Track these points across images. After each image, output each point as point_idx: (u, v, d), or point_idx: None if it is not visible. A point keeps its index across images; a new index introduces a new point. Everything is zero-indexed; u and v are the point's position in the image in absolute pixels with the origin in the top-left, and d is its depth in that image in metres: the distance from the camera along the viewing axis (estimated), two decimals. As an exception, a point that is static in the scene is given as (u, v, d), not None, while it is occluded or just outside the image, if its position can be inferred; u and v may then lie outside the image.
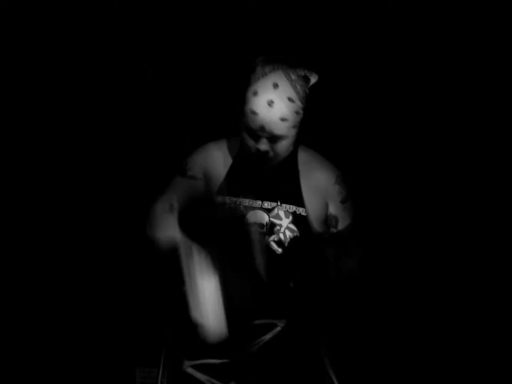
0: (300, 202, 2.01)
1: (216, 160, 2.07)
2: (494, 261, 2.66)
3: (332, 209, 2.06)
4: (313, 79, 1.98)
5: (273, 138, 1.92)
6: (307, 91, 1.97)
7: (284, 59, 1.96)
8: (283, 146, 1.95)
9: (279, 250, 1.98)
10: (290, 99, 1.91)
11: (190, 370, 1.96)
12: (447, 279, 2.70)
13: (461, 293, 2.69)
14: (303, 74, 1.96)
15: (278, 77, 1.92)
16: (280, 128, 1.90)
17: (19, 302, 2.75)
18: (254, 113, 1.90)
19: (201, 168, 2.06)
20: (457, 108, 2.70)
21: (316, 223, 2.03)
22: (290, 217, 1.99)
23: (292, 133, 1.95)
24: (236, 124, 1.99)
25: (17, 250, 2.74)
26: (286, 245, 1.98)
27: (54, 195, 2.75)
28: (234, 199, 2.01)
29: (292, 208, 2.00)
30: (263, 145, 1.92)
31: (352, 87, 2.74)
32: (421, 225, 2.73)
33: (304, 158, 2.08)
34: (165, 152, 2.75)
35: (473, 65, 2.67)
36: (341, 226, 2.06)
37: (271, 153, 1.95)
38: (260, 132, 1.91)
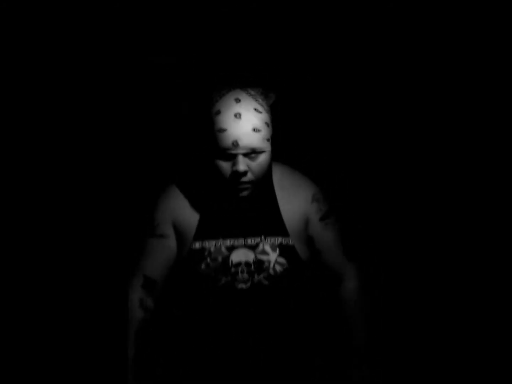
0: (284, 232, 1.92)
1: (184, 206, 1.96)
2: (495, 261, 2.60)
3: (310, 229, 1.96)
4: (272, 97, 1.89)
5: (250, 154, 1.80)
6: (269, 107, 1.87)
7: (237, 82, 1.90)
8: (261, 165, 1.82)
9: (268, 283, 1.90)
10: (256, 110, 1.80)
11: None
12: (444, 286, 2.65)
13: (461, 298, 2.64)
14: (260, 91, 1.87)
15: (237, 93, 1.83)
16: (254, 140, 1.79)
17: (13, 319, 2.69)
18: (222, 130, 1.78)
19: (170, 221, 1.96)
20: (442, 114, 2.62)
21: (304, 248, 1.95)
22: (277, 250, 1.90)
23: (268, 147, 1.83)
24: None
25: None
26: (277, 280, 1.90)
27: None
28: (213, 241, 1.91)
29: (278, 239, 1.91)
30: (241, 165, 1.79)
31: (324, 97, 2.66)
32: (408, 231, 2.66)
33: (279, 181, 1.97)
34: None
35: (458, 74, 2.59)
36: (318, 245, 1.96)
37: (249, 175, 1.82)
38: (234, 149, 1.78)
